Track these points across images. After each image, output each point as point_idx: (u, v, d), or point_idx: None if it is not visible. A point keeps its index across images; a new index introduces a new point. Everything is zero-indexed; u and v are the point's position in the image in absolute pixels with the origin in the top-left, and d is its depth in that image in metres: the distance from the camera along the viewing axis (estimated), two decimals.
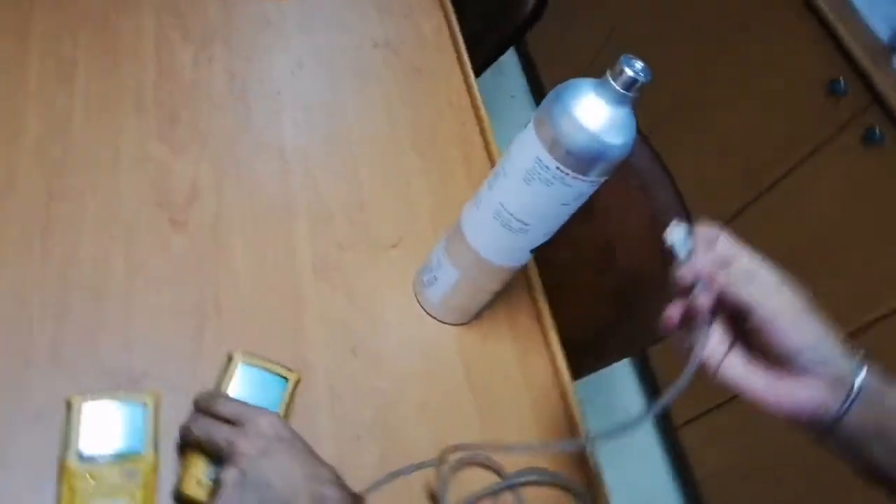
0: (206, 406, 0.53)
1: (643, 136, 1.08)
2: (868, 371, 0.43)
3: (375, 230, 0.75)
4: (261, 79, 0.82)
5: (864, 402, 0.42)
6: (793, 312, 0.44)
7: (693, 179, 1.14)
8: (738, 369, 0.48)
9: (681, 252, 0.48)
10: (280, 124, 0.79)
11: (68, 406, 0.49)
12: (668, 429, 1.66)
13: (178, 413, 0.56)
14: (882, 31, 1.23)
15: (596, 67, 0.54)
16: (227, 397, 0.55)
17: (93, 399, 0.50)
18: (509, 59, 2.33)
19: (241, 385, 0.57)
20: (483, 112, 0.91)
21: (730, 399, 1.45)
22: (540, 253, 0.67)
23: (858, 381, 0.42)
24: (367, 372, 0.65)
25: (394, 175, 0.81)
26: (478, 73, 1.39)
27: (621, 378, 1.76)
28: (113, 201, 0.66)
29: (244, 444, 0.49)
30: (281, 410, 0.57)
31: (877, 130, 1.17)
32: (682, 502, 1.61)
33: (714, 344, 0.47)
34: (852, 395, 0.42)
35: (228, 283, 0.65)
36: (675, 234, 0.49)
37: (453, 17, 1.02)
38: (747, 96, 1.44)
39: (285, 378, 0.59)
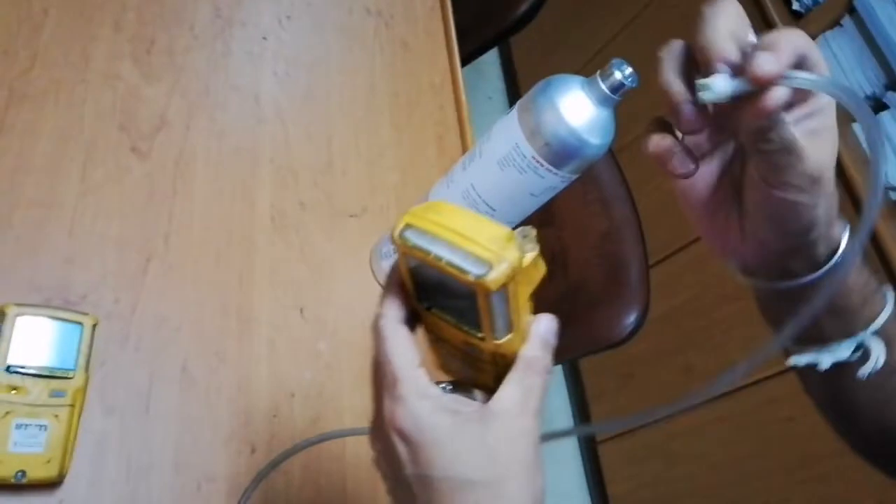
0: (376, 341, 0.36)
1: (611, 149, 1.10)
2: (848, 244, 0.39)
3: (339, 196, 0.75)
4: (245, 22, 0.80)
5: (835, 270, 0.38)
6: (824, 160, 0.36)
7: (654, 202, 1.17)
8: (702, 190, 0.41)
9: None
10: (260, 71, 0.77)
11: (1, 314, 0.47)
12: (588, 443, 1.69)
13: (110, 343, 0.54)
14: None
15: None
16: (392, 339, 0.35)
17: (30, 313, 0.47)
18: (491, 61, 2.35)
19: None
20: (463, 97, 0.92)
21: (652, 422, 1.49)
22: None
23: (843, 245, 0.38)
24: (311, 333, 0.65)
25: (366, 145, 0.81)
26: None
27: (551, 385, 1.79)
28: (75, 116, 0.63)
29: (374, 439, 0.36)
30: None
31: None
32: None
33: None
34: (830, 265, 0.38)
35: (182, 220, 0.63)
36: (717, 85, 0.34)
37: (448, 1, 1.02)
38: None
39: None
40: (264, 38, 0.80)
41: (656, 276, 1.52)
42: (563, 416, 1.77)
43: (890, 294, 0.41)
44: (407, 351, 0.34)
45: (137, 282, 0.59)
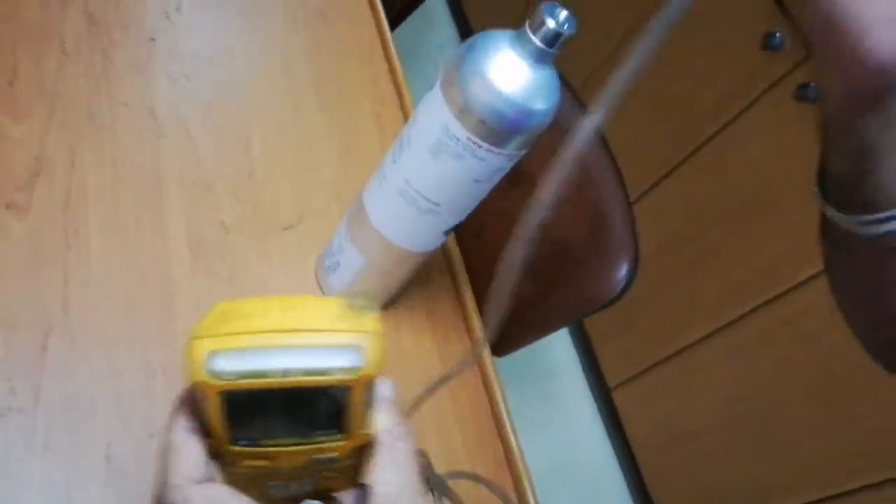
0: None
1: (573, 91, 1.00)
2: None
3: (268, 207, 0.65)
4: (127, 24, 0.69)
5: None
6: None
7: (624, 137, 1.07)
8: None
9: None
10: (151, 78, 0.66)
11: None
12: (601, 390, 1.64)
13: (12, 446, 0.46)
14: None
15: None
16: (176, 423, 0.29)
17: None
18: (438, 6, 2.20)
19: None
20: (397, 64, 0.81)
21: (662, 360, 1.43)
22: (464, 224, 0.59)
23: None
24: None
25: (292, 139, 0.71)
26: (399, 19, 1.26)
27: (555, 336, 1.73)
28: None
29: None
30: None
31: (810, 85, 1.13)
32: (617, 463, 1.61)
33: None
34: None
35: (80, 275, 0.54)
36: None
37: None
38: (681, 49, 1.38)
39: None
40: (152, 40, 0.69)
41: (643, 209, 1.43)
42: (571, 364, 1.71)
43: None
44: None
45: (37, 364, 0.50)
